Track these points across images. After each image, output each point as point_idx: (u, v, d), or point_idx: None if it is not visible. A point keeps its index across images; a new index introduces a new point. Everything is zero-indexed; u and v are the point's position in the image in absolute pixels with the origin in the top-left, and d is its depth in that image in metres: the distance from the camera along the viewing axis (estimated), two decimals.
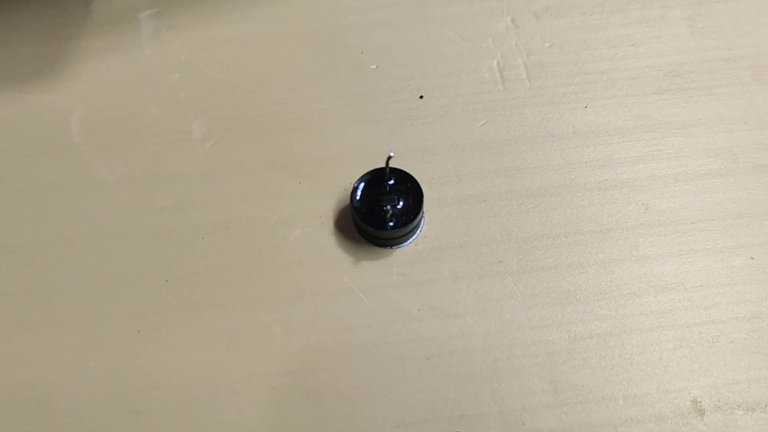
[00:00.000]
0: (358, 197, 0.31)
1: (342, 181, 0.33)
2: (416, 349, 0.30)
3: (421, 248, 0.32)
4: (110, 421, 0.28)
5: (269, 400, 0.29)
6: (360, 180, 0.31)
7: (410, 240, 0.32)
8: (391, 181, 0.31)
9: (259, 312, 0.30)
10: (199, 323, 0.30)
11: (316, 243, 0.32)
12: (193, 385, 0.29)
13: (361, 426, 0.28)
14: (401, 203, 0.31)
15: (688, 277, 0.31)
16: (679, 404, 0.29)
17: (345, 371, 0.29)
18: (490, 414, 0.28)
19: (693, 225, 0.32)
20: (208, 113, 0.35)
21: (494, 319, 0.30)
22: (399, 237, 0.31)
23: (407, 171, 0.32)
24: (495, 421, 0.28)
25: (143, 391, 0.29)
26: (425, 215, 0.32)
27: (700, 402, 0.29)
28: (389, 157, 0.30)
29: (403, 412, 0.29)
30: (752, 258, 0.31)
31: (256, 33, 0.37)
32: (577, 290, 0.31)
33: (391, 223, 0.30)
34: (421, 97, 0.35)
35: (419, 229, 0.32)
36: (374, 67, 0.36)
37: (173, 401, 0.29)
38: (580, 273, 0.31)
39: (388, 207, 0.30)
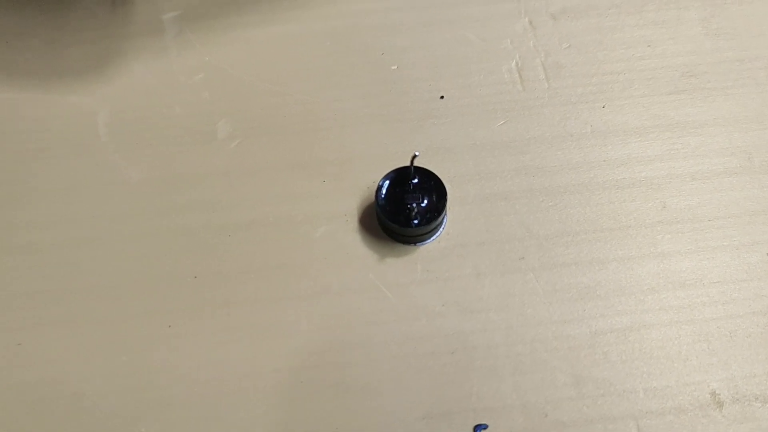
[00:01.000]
0: (383, 195, 0.32)
1: (365, 179, 0.33)
2: (440, 344, 0.30)
3: (444, 245, 0.32)
4: (141, 415, 0.29)
5: (297, 393, 0.29)
6: (385, 178, 0.32)
7: (434, 237, 0.32)
8: (415, 180, 0.32)
9: (286, 308, 0.31)
10: (228, 319, 0.31)
11: (340, 240, 0.32)
12: (222, 379, 0.30)
13: (386, 418, 0.29)
14: (425, 201, 0.31)
15: (706, 273, 0.31)
16: (698, 397, 0.29)
17: (370, 366, 0.30)
18: (513, 407, 0.29)
19: (710, 222, 0.32)
20: (232, 113, 0.35)
21: (516, 314, 0.31)
22: (423, 234, 0.32)
23: (430, 170, 0.32)
24: (518, 413, 0.29)
25: (174, 386, 0.30)
26: (450, 214, 0.33)
27: (719, 394, 0.29)
28: (414, 156, 0.31)
29: (428, 405, 0.29)
30: None
31: (278, 35, 0.37)
32: (597, 286, 0.31)
33: (416, 221, 0.31)
34: (442, 97, 0.36)
35: (443, 226, 0.32)
36: (395, 67, 0.36)
37: (203, 395, 0.29)
38: (599, 269, 0.31)
39: (413, 205, 0.31)
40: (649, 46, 0.37)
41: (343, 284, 0.31)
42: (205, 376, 0.30)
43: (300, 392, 0.29)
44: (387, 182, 0.32)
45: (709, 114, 0.35)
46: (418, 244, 0.32)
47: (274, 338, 0.30)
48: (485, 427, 0.29)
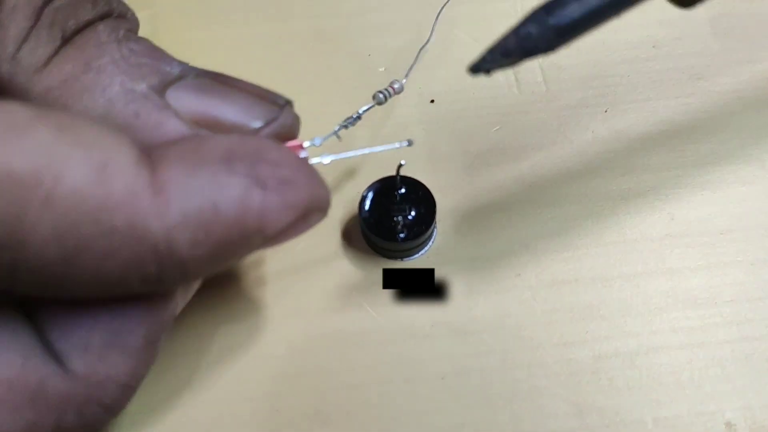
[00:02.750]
0: (366, 207, 0.29)
1: (349, 189, 0.31)
2: (429, 368, 0.28)
3: (433, 260, 0.30)
4: None
5: (272, 424, 0.27)
6: (369, 189, 0.30)
7: (422, 252, 0.30)
8: (402, 190, 0.30)
9: (261, 328, 0.29)
10: (198, 340, 0.28)
11: (322, 254, 0.30)
12: (191, 406, 0.27)
13: None
14: (413, 213, 0.29)
15: (719, 292, 0.29)
16: (712, 427, 0.27)
17: (353, 392, 0.28)
18: None
19: (722, 236, 0.30)
20: None
21: (512, 336, 0.28)
22: (410, 249, 0.30)
23: (418, 179, 0.30)
24: None
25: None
26: (440, 227, 0.30)
27: (735, 425, 0.27)
28: (400, 165, 0.29)
29: None
30: None
31: (259, 35, 0.35)
32: (601, 305, 0.29)
33: (402, 234, 0.29)
34: (432, 101, 0.33)
35: (431, 240, 0.30)
36: (382, 69, 0.34)
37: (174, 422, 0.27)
38: (603, 287, 0.29)
39: (399, 218, 0.29)
40: (654, 46, 0.34)
41: (324, 303, 0.29)
42: (172, 402, 0.27)
43: (275, 422, 0.27)
44: (371, 193, 0.30)
45: (720, 119, 0.33)
46: (405, 259, 0.30)
47: (246, 363, 0.28)
48: None
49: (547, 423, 0.27)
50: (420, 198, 0.29)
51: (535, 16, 0.23)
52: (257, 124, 0.24)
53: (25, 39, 0.23)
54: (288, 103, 0.26)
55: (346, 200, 0.31)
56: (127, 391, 0.22)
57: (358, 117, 0.30)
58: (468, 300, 0.29)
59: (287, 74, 0.34)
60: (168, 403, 0.27)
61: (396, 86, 0.30)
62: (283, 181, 0.21)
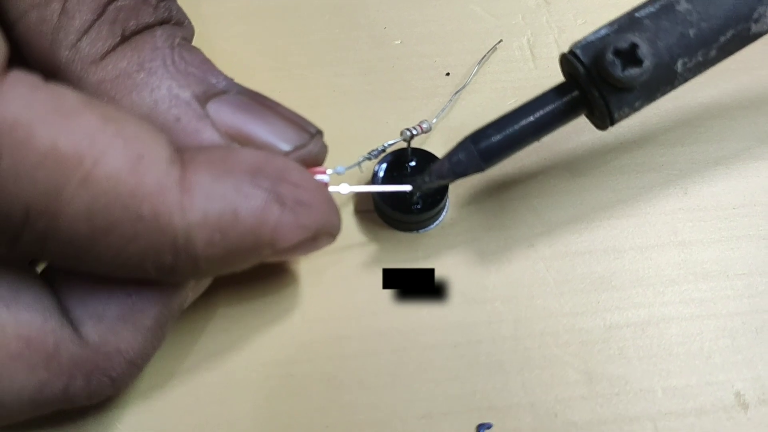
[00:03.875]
0: (380, 181, 0.30)
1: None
2: (442, 336, 0.28)
3: (449, 231, 0.30)
4: (122, 406, 0.27)
5: (286, 388, 0.27)
6: (381, 161, 0.30)
7: (435, 223, 0.30)
8: (413, 163, 0.30)
9: (278, 298, 0.29)
10: (214, 309, 0.29)
11: None
12: (207, 369, 0.28)
13: (382, 416, 0.27)
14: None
15: (731, 265, 0.29)
16: (721, 397, 0.27)
17: (367, 359, 0.28)
18: (520, 405, 0.27)
19: (735, 210, 0.30)
20: None
21: (525, 305, 0.29)
22: (424, 221, 0.30)
23: (433, 152, 0.30)
24: (526, 413, 0.27)
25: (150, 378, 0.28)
26: (454, 198, 0.31)
27: (744, 395, 0.27)
28: (411, 136, 0.29)
29: (428, 402, 0.27)
30: None
31: (275, 7, 0.35)
32: (613, 276, 0.29)
33: (418, 206, 0.29)
34: (448, 74, 0.34)
35: (444, 211, 0.30)
36: (398, 42, 0.34)
37: (187, 388, 0.27)
38: (615, 258, 0.29)
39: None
40: None
41: (339, 272, 0.29)
42: (188, 366, 0.28)
43: (290, 386, 0.27)
44: (384, 165, 0.30)
45: (734, 96, 0.33)
46: (419, 231, 0.30)
47: (264, 329, 0.28)
48: (489, 426, 0.27)
49: (557, 391, 0.27)
50: None
51: (463, 145, 0.27)
52: (286, 147, 0.25)
53: (87, 31, 0.24)
54: (319, 133, 0.27)
55: (362, 172, 0.31)
56: (132, 367, 0.23)
57: (383, 150, 0.30)
58: (482, 269, 0.29)
59: (301, 47, 0.34)
60: (184, 367, 0.28)
61: (424, 126, 0.30)
62: (300, 203, 0.23)
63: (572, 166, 0.31)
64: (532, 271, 0.29)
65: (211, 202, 0.22)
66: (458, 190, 0.31)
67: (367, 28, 0.35)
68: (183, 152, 0.22)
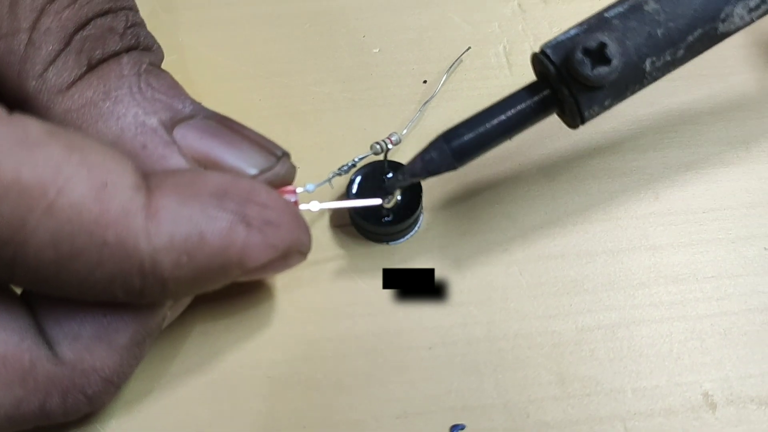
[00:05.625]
0: (354, 191, 0.30)
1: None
2: (417, 338, 0.29)
3: (424, 236, 0.31)
4: (109, 410, 0.27)
5: (266, 390, 0.28)
6: (357, 173, 0.30)
7: (407, 236, 0.30)
8: (389, 175, 0.30)
9: (255, 302, 0.29)
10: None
11: (312, 230, 0.30)
12: (185, 372, 0.28)
13: (360, 416, 0.27)
14: (399, 197, 0.30)
15: (700, 268, 0.30)
16: (690, 398, 0.27)
17: (343, 361, 0.28)
18: (493, 406, 0.27)
19: (705, 214, 0.31)
20: (205, 96, 0.33)
21: (499, 308, 0.29)
22: (396, 233, 0.30)
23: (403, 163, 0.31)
24: (499, 413, 0.27)
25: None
26: (428, 203, 0.31)
27: (712, 396, 0.28)
28: (387, 150, 0.30)
29: (404, 403, 0.28)
30: (766, 249, 0.30)
31: (255, 15, 0.36)
32: (585, 280, 0.30)
33: (388, 218, 0.29)
34: (425, 81, 0.34)
35: (417, 225, 0.31)
36: (377, 50, 0.35)
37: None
38: (587, 262, 0.30)
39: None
40: None
41: (316, 275, 0.30)
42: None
43: (269, 388, 0.28)
44: (359, 177, 0.30)
45: (706, 102, 0.33)
46: (390, 243, 0.30)
47: (242, 332, 0.29)
48: (463, 427, 0.27)
49: (530, 391, 0.28)
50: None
51: (436, 144, 0.27)
52: (253, 171, 0.26)
53: (53, 61, 0.25)
54: (285, 155, 0.27)
55: (340, 179, 0.31)
56: (108, 385, 0.24)
57: (353, 165, 0.30)
58: (456, 273, 0.30)
59: (282, 53, 0.35)
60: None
61: (393, 138, 0.31)
62: (268, 222, 0.23)
63: (546, 171, 0.32)
64: (506, 275, 0.30)
65: (178, 226, 0.22)
66: (433, 195, 0.31)
67: (346, 37, 0.35)
68: (150, 177, 0.23)
